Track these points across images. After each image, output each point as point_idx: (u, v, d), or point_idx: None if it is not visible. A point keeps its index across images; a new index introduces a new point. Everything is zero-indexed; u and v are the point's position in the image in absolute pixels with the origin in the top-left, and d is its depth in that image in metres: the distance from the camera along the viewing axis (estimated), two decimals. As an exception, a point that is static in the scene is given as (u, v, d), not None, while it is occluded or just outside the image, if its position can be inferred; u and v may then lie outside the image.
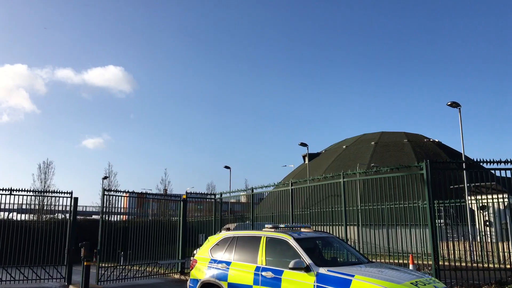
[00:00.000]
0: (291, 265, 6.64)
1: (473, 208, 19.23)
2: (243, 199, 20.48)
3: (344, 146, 50.13)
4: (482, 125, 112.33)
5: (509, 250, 13.85)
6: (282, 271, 6.90)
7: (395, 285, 5.96)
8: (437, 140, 40.63)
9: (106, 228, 14.78)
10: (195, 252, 18.60)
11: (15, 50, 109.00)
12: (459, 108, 23.82)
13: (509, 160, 11.44)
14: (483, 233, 17.04)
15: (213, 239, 8.53)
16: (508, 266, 11.42)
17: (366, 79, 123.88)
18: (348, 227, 13.02)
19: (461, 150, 24.96)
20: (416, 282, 6.25)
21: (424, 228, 13.23)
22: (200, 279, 8.08)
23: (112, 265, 15.16)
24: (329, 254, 7.67)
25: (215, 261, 8.01)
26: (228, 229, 8.61)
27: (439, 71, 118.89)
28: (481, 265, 12.07)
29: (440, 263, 11.50)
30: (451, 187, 15.22)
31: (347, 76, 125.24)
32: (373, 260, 8.78)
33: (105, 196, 15.10)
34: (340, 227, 13.43)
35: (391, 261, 13.20)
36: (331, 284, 6.25)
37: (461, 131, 23.72)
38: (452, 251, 13.81)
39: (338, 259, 7.58)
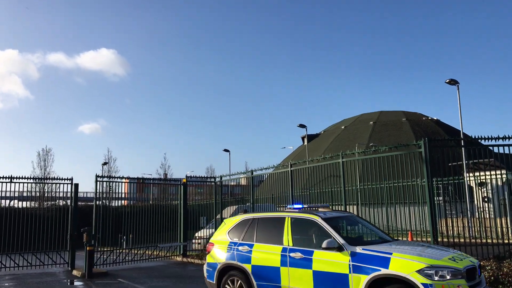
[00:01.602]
0: (324, 245, 6.63)
1: (471, 185, 19.35)
2: (243, 182, 20.59)
3: (343, 127, 50.13)
4: (481, 102, 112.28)
5: (507, 226, 14.00)
6: (312, 252, 6.89)
7: (435, 261, 6.05)
8: (435, 118, 40.67)
9: (100, 214, 14.99)
10: (197, 235, 18.81)
11: (4, 35, 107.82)
12: (457, 85, 23.78)
13: (507, 136, 11.43)
14: (482, 209, 17.20)
15: (230, 222, 8.41)
16: (506, 241, 11.56)
17: (364, 59, 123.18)
18: (347, 206, 13.12)
19: (459, 128, 24.98)
20: (453, 257, 6.36)
21: (423, 206, 13.33)
22: (219, 263, 7.95)
23: (110, 249, 15.39)
24: (354, 233, 7.61)
25: (235, 243, 7.90)
26: (246, 212, 8.58)
27: (438, 48, 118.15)
28: (479, 240, 12.21)
29: (439, 239, 11.65)
30: (449, 164, 15.29)
31: (345, 57, 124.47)
32: (397, 238, 8.90)
33: (97, 183, 15.26)
34: (339, 207, 13.53)
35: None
36: (368, 263, 6.27)
37: (459, 109, 23.73)
38: (450, 228, 13.98)
39: (364, 238, 7.56)
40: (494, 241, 11.72)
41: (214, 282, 7.99)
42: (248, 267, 7.50)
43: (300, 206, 8.11)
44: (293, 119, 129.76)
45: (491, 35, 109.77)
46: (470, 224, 16.18)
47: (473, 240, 13.08)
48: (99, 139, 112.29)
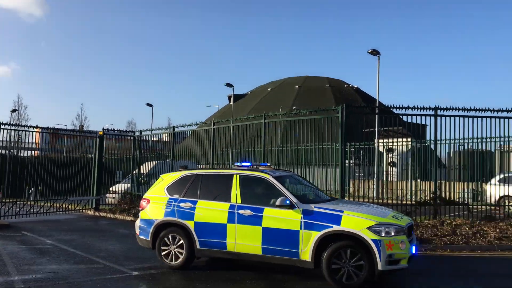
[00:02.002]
0: (278, 202, 6.76)
1: (381, 151, 20.80)
2: (165, 138, 20.18)
3: (269, 89, 50.74)
4: (400, 72, 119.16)
5: (405, 188, 15.31)
6: (263, 209, 6.99)
7: (383, 219, 6.53)
8: (356, 86, 42.66)
9: (7, 164, 14.05)
10: (111, 189, 18.29)
11: None
12: (379, 56, 24.95)
13: (415, 106, 12.30)
14: (387, 173, 18.66)
15: (169, 178, 8.15)
16: (404, 202, 12.69)
17: (295, 23, 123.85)
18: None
19: (377, 96, 26.46)
20: (394, 215, 6.97)
21: (336, 168, 14.13)
22: (156, 219, 7.70)
23: (13, 200, 14.46)
24: (297, 191, 7.66)
25: (175, 200, 7.69)
26: (186, 168, 8.41)
27: (365, 18, 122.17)
28: (382, 201, 13.29)
29: (348, 199, 12.52)
30: (364, 130, 16.24)
31: (276, 21, 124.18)
32: (335, 197, 9.40)
33: (1, 131, 14.12)
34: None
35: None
36: (320, 220, 6.54)
37: (378, 78, 25.05)
38: (358, 188, 15.05)
39: (307, 197, 7.76)
40: (395, 202, 12.78)
41: (149, 239, 7.73)
42: (190, 224, 7.41)
43: (248, 164, 8.07)
44: (221, 78, 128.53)
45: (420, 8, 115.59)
46: (376, 186, 17.52)
47: (376, 201, 14.25)
48: (8, 84, 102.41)
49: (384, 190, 15.01)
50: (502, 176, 15.59)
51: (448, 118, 12.34)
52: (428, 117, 12.49)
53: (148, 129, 19.16)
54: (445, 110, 12.32)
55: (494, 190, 15.02)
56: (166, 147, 18.77)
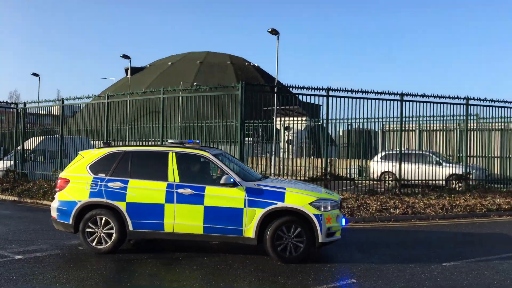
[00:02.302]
0: (222, 181, 6.72)
1: (279, 128, 21.58)
2: (55, 111, 18.53)
3: (169, 63, 49.28)
4: (301, 53, 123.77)
5: (300, 165, 16.21)
6: (204, 187, 6.88)
7: (320, 194, 6.97)
8: (256, 65, 43.36)
9: None
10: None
11: None
12: (278, 36, 25.51)
13: (310, 86, 12.89)
14: (284, 150, 19.47)
15: (91, 155, 7.41)
16: (298, 178, 13.41)
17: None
18: (165, 143, 13.17)
19: (278, 76, 27.21)
20: (326, 191, 7.66)
21: (235, 145, 14.34)
22: (80, 201, 7.06)
23: None
24: (233, 169, 7.39)
25: (102, 179, 7.11)
26: (109, 144, 7.79)
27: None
28: (278, 177, 13.86)
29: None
30: (264, 108, 16.65)
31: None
32: (266, 176, 9.39)
33: None
34: (157, 143, 13.48)
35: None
36: (264, 197, 6.71)
37: (277, 58, 25.64)
38: (256, 165, 15.50)
39: (246, 174, 7.58)
40: (291, 178, 13.44)
41: (71, 223, 7.07)
42: (121, 205, 6.95)
43: (173, 141, 7.86)
44: (117, 49, 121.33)
45: None
46: (273, 162, 18.21)
47: (275, 176, 14.82)
48: None
49: (281, 166, 15.66)
50: (383, 153, 17.20)
51: (338, 99, 13.15)
52: (321, 97, 13.18)
53: (34, 101, 17.46)
54: (336, 91, 13.09)
55: (376, 166, 16.54)
56: (55, 121, 17.25)
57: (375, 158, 17.05)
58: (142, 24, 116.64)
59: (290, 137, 20.41)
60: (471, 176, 15.01)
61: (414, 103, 14.06)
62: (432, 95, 14.05)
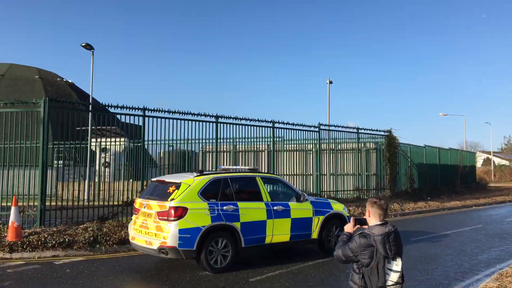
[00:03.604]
0: (302, 198, 8.98)
1: (95, 150, 20.06)
2: None
3: (-40, 73, 41.31)
4: (121, 69, 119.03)
5: (114, 189, 15.16)
6: (288, 203, 8.80)
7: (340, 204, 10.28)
8: (70, 81, 39.87)
9: None
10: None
11: None
12: (93, 51, 23.96)
13: (125, 105, 12.26)
14: (101, 173, 18.11)
15: (197, 183, 7.90)
16: (112, 203, 12.42)
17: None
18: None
19: (97, 94, 25.48)
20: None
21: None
22: (204, 226, 7.56)
23: None
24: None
25: (216, 204, 7.84)
26: (202, 172, 8.32)
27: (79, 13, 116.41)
28: (87, 203, 12.70)
29: (53, 203, 11.29)
30: (77, 128, 15.19)
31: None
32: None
33: None
34: None
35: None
36: (321, 207, 9.32)
37: (92, 73, 24.05)
38: (66, 191, 13.93)
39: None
40: (107, 203, 12.33)
41: (194, 249, 7.44)
42: (237, 225, 7.88)
43: (244, 167, 10.64)
44: None
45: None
46: (88, 187, 16.72)
47: (86, 203, 13.51)
48: None
49: (98, 191, 14.43)
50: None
51: (156, 119, 12.93)
52: (138, 117, 12.72)
53: None
54: (152, 111, 12.83)
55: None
56: None
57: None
58: None
59: (107, 159, 19.18)
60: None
61: (228, 125, 14.83)
62: (244, 118, 15.08)
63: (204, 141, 15.64)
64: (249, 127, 15.58)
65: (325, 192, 18.90)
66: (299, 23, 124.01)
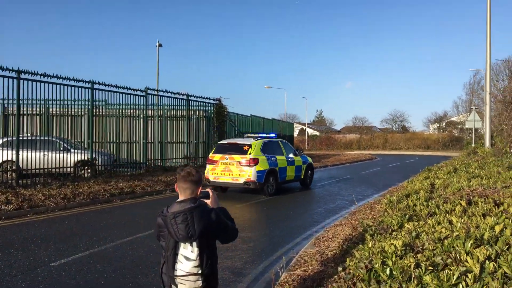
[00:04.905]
0: (298, 153, 15.23)
1: None
2: None
3: None
4: None
5: None
6: (292, 156, 14.69)
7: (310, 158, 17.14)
8: None
9: None
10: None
11: None
12: None
13: None
14: None
15: (259, 144, 13.27)
16: None
17: None
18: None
19: None
20: None
21: None
22: (266, 169, 12.91)
23: None
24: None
25: (268, 157, 13.24)
26: (257, 137, 14.37)
27: None
28: None
29: None
30: None
31: None
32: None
33: None
34: None
35: None
36: (304, 159, 15.59)
37: None
38: None
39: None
40: None
41: (263, 182, 12.74)
42: (277, 169, 13.54)
43: (274, 135, 15.88)
44: None
45: None
46: None
47: None
48: None
49: None
50: (4, 140, 14.77)
51: None
52: None
53: None
54: None
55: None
56: None
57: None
58: None
59: None
60: (97, 161, 14.99)
61: (37, 83, 12.61)
62: (56, 75, 13.00)
63: (6, 101, 13.07)
64: (64, 86, 13.57)
65: (152, 161, 18.09)
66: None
